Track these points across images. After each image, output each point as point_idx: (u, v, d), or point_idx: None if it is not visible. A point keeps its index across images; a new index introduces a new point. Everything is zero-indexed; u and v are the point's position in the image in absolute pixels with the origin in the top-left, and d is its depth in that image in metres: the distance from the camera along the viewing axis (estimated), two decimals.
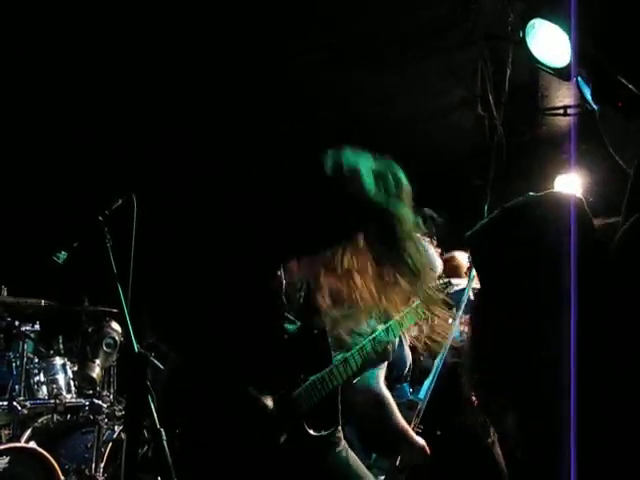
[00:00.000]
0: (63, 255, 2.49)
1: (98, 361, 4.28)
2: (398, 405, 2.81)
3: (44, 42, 4.21)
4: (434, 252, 3.12)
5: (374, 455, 2.81)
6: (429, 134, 5.14)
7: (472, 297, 3.41)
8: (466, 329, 3.73)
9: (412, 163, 5.42)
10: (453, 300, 3.31)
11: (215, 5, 4.01)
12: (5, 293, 4.19)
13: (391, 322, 2.42)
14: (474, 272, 3.44)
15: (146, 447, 2.78)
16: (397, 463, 2.83)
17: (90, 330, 4.40)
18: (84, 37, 4.20)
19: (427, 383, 2.96)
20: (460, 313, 3.30)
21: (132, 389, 1.83)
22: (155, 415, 2.03)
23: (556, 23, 2.95)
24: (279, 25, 4.16)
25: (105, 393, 4.27)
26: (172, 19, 4.13)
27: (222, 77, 4.65)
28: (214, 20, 4.13)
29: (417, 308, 2.57)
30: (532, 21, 3.28)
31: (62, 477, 3.59)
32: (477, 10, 3.86)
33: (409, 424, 2.82)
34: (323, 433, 2.12)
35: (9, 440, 3.76)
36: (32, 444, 3.68)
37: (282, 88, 4.70)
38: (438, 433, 3.14)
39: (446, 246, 3.37)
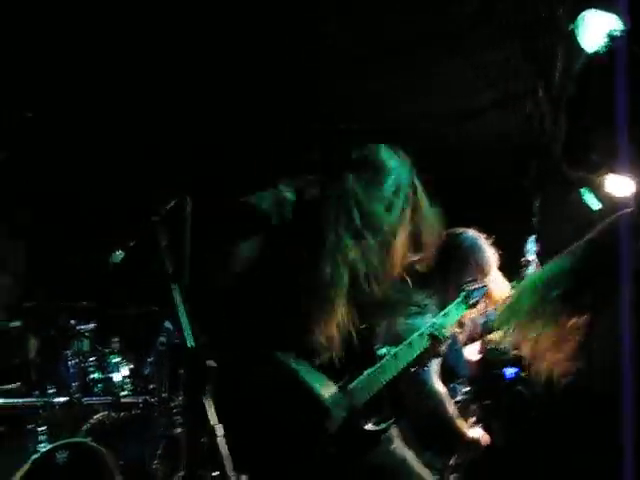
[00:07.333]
0: (120, 255, 2.55)
1: (151, 360, 4.39)
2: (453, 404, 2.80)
3: (97, 45, 4.33)
4: (488, 247, 3.10)
5: (427, 453, 2.79)
6: (476, 133, 5.10)
7: None
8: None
9: (459, 162, 5.39)
10: None
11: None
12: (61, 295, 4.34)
13: (450, 307, 2.43)
14: (530, 271, 3.39)
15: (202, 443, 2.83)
16: (451, 462, 2.82)
17: (144, 329, 4.51)
18: (135, 41, 4.31)
19: None
20: None
21: (190, 386, 1.86)
22: (210, 411, 2.06)
23: (610, 12, 2.88)
24: (306, 30, 4.19)
25: (158, 391, 4.35)
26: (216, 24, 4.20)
27: (262, 77, 4.71)
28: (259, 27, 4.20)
29: (460, 303, 2.58)
30: (583, 13, 3.21)
31: (118, 473, 3.68)
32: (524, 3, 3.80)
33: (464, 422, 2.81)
34: (382, 426, 2.13)
35: (68, 435, 3.88)
36: (89, 440, 3.78)
37: (312, 88, 4.73)
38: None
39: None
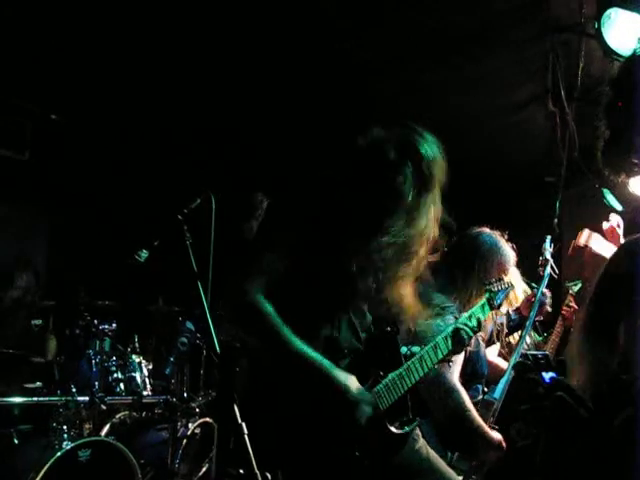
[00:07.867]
0: (144, 254, 2.56)
1: (172, 359, 4.40)
2: (474, 404, 2.79)
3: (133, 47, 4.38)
4: (506, 245, 3.10)
5: (450, 454, 2.78)
6: (500, 130, 5.07)
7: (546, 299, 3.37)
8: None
9: (483, 159, 5.33)
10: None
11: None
12: (83, 294, 4.36)
13: (474, 309, 2.43)
14: (548, 271, 3.37)
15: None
16: (473, 463, 2.80)
17: (164, 329, 4.53)
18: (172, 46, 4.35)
19: (502, 382, 2.91)
20: (534, 313, 3.24)
21: (220, 383, 1.86)
22: (236, 410, 2.06)
23: (635, 11, 2.86)
24: (346, 24, 4.17)
25: (179, 390, 4.37)
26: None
27: (291, 79, 4.72)
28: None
29: (484, 305, 2.58)
30: (608, 11, 3.18)
31: (139, 471, 3.69)
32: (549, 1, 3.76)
33: (485, 423, 2.79)
34: (406, 429, 2.10)
35: (90, 434, 3.90)
36: (111, 438, 3.80)
37: (347, 86, 4.72)
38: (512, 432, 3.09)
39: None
